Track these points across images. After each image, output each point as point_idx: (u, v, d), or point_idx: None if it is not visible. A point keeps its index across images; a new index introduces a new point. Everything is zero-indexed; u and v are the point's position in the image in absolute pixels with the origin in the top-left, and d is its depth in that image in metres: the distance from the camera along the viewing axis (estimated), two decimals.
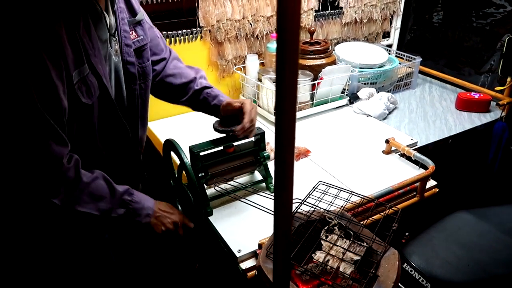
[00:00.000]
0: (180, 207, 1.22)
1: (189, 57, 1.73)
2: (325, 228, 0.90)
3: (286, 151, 0.53)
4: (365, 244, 0.86)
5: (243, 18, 1.76)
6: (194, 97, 1.24)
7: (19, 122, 0.84)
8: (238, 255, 1.04)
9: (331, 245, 0.85)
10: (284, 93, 0.50)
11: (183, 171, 1.14)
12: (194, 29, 1.70)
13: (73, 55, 0.87)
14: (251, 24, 1.79)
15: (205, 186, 1.20)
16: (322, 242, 0.86)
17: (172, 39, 1.66)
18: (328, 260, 0.82)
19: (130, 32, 1.06)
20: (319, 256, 0.83)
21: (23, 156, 0.87)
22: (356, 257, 0.82)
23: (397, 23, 2.33)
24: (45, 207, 1.04)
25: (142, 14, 1.10)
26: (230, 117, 1.17)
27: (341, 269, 0.80)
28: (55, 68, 0.84)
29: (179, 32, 1.67)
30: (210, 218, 1.17)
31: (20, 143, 0.86)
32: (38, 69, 0.82)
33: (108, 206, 0.98)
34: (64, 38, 0.84)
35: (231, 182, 1.18)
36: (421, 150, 1.54)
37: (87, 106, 0.95)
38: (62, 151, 0.90)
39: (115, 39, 1.01)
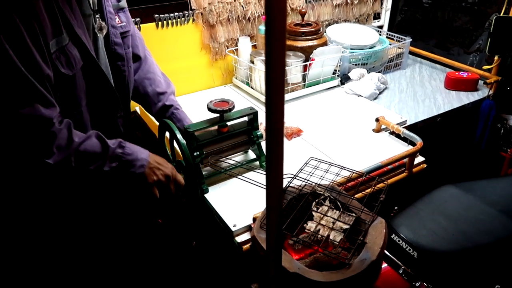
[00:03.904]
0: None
1: (181, 40, 1.75)
2: (316, 200, 0.94)
3: (276, 123, 0.57)
4: (354, 214, 0.90)
5: (235, 0, 1.77)
6: (161, 110, 1.28)
7: (2, 86, 0.85)
8: (233, 229, 1.08)
9: (322, 215, 0.89)
10: (273, 74, 0.53)
11: (179, 151, 1.17)
12: (186, 12, 1.71)
13: (50, 23, 0.89)
14: (242, 6, 1.81)
15: (201, 165, 1.23)
16: (313, 213, 0.90)
17: (164, 22, 1.67)
18: (319, 230, 0.86)
19: (115, 16, 1.09)
20: (310, 226, 0.87)
21: (12, 120, 0.87)
22: (345, 226, 0.86)
23: (388, 4, 2.34)
24: (41, 182, 1.07)
25: (125, 3, 1.15)
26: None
27: (331, 237, 0.84)
28: (30, 33, 0.85)
29: (171, 15, 1.68)
30: (206, 195, 1.21)
31: (7, 107, 0.86)
32: (12, 32, 0.82)
33: (100, 162, 0.98)
34: (40, 6, 0.85)
35: (226, 160, 1.21)
36: (410, 128, 1.58)
37: (68, 77, 0.96)
38: (50, 113, 0.90)
39: (98, 17, 1.03)
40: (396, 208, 1.27)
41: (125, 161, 1.01)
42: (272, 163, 0.61)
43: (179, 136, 1.15)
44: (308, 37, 1.79)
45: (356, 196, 1.02)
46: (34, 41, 0.86)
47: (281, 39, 0.51)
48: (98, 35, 1.04)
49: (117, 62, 1.11)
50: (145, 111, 1.65)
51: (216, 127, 1.24)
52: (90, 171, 0.98)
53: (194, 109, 1.58)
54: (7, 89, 0.85)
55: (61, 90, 0.96)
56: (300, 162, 1.09)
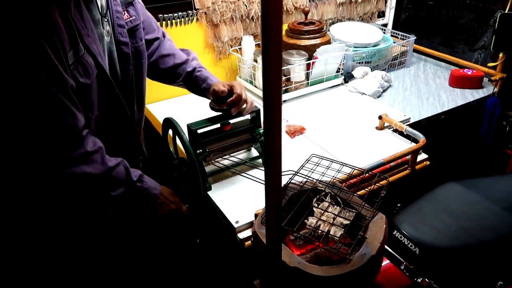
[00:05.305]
0: (179, 183, 1.27)
1: (185, 39, 1.76)
2: (317, 196, 0.94)
3: (274, 119, 0.58)
4: (354, 210, 0.90)
5: (238, 0, 1.78)
6: (187, 78, 1.30)
7: (34, 104, 0.88)
8: (236, 225, 1.09)
9: (323, 211, 0.90)
10: (270, 70, 0.54)
11: (183, 148, 1.19)
12: (189, 11, 1.72)
13: (68, 36, 0.90)
14: (246, 5, 1.82)
15: (204, 163, 1.24)
16: (314, 209, 0.91)
17: (168, 22, 1.69)
18: (320, 225, 0.87)
19: (123, 13, 1.10)
20: (311, 221, 0.88)
21: (41, 131, 0.91)
22: (346, 222, 0.87)
23: (392, 2, 2.34)
24: (44, 185, 1.09)
25: None
26: (225, 97, 1.22)
27: (331, 232, 0.85)
28: (52, 49, 0.87)
29: (175, 15, 1.69)
30: (209, 192, 1.22)
31: (38, 121, 0.90)
32: (38, 53, 0.85)
33: (118, 190, 1.05)
34: (57, 19, 0.87)
35: (228, 158, 1.22)
36: (414, 125, 1.57)
37: (86, 85, 0.98)
38: (77, 122, 0.95)
39: (106, 20, 1.04)
40: (399, 205, 1.27)
41: (137, 194, 1.09)
42: (270, 159, 0.62)
43: (182, 133, 1.16)
44: (311, 36, 1.79)
45: (357, 193, 1.03)
46: (56, 55, 0.88)
47: (277, 36, 0.52)
48: (105, 38, 1.05)
49: (123, 62, 1.12)
50: (148, 106, 1.68)
51: (219, 125, 1.25)
52: (103, 194, 1.05)
53: (198, 108, 1.59)
54: (36, 103, 0.88)
55: (78, 98, 0.99)
56: (302, 160, 1.10)
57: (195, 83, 1.28)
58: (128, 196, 1.07)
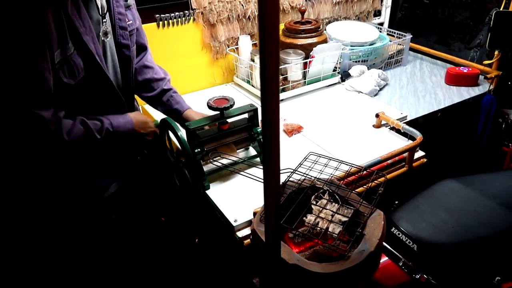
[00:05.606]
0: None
1: (182, 40, 1.76)
2: (315, 194, 0.95)
3: (272, 118, 0.58)
4: (352, 207, 0.91)
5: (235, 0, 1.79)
6: (159, 95, 1.32)
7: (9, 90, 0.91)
8: (234, 224, 1.09)
9: (321, 208, 0.90)
10: (267, 69, 0.54)
11: (181, 148, 1.19)
12: (186, 11, 1.72)
13: (57, 35, 0.90)
14: (242, 5, 1.82)
15: (202, 162, 1.25)
16: (312, 206, 0.91)
17: (165, 22, 1.69)
18: (318, 222, 0.87)
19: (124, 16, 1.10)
20: (309, 218, 0.88)
21: (16, 117, 0.94)
22: (344, 219, 0.87)
23: (388, 1, 2.35)
24: (42, 179, 1.10)
25: (132, 0, 1.15)
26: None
27: (330, 229, 0.85)
28: (39, 49, 0.88)
29: (172, 15, 1.69)
30: (207, 192, 1.22)
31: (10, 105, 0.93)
32: (23, 52, 0.86)
33: (92, 142, 1.05)
34: (49, 19, 0.87)
35: (226, 156, 1.23)
36: (410, 123, 1.58)
37: (71, 85, 0.98)
38: (44, 113, 0.95)
39: (105, 20, 1.04)
40: (396, 202, 1.28)
41: (115, 135, 1.10)
42: (268, 158, 0.62)
43: (180, 133, 1.16)
44: (308, 35, 1.80)
45: (355, 190, 1.03)
46: (42, 57, 0.89)
47: (274, 35, 0.52)
48: (103, 39, 1.05)
49: (124, 63, 1.12)
50: (145, 106, 1.68)
51: (216, 124, 1.25)
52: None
53: (196, 108, 1.59)
54: (12, 92, 0.90)
55: (64, 98, 0.98)
56: (300, 158, 1.10)
57: (168, 101, 1.33)
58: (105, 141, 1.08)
